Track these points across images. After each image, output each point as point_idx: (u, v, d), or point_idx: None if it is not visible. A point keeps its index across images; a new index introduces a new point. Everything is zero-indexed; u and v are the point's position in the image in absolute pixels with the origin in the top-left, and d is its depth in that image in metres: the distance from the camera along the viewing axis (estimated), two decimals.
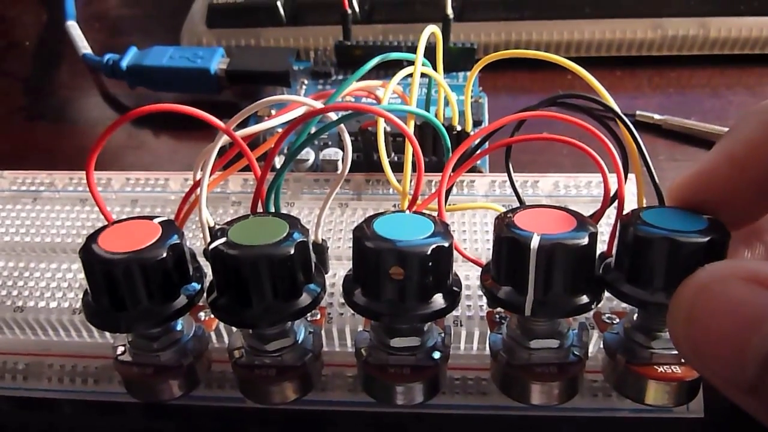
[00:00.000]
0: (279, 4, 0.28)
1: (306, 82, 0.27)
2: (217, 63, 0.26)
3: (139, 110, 0.14)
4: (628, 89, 0.27)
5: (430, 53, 0.19)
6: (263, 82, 0.26)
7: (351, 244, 0.18)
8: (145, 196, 0.21)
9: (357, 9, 0.28)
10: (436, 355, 0.15)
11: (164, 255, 0.13)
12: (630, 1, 0.27)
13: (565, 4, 0.27)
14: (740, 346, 0.11)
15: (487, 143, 0.17)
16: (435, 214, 0.15)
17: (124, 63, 0.27)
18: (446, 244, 0.13)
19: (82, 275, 0.18)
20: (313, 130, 0.16)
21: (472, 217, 0.19)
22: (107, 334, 0.17)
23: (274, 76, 0.25)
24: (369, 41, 0.26)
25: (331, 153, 0.22)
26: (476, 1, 0.28)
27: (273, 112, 0.25)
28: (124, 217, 0.15)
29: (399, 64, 0.19)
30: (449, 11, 0.25)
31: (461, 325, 0.16)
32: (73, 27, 0.31)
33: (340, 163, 0.22)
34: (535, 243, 0.13)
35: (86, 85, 0.30)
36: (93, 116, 0.29)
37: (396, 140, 0.22)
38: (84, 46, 0.29)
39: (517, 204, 0.17)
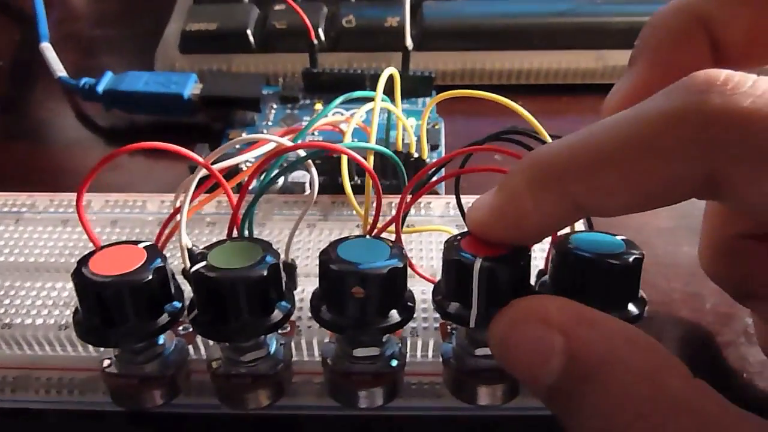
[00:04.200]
0: (249, 32, 0.30)
1: (275, 106, 0.28)
2: (191, 88, 0.27)
3: (130, 146, 0.16)
4: (573, 114, 0.29)
5: (390, 84, 0.20)
6: (235, 107, 0.27)
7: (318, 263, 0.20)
8: (123, 217, 0.22)
9: (323, 38, 0.30)
10: (394, 363, 0.16)
11: (150, 278, 0.15)
12: (574, 35, 0.29)
13: (515, 36, 0.29)
14: (535, 374, 0.13)
15: (443, 170, 0.19)
16: (393, 237, 0.17)
17: (101, 87, 0.28)
18: (401, 266, 0.15)
19: (66, 293, 0.19)
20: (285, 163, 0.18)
21: (428, 237, 0.21)
22: (91, 348, 0.19)
23: (246, 102, 0.27)
24: (335, 68, 0.28)
25: (299, 176, 0.24)
26: (434, 32, 0.29)
27: (245, 134, 0.27)
28: (105, 238, 0.17)
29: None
30: (409, 42, 0.27)
31: (417, 336, 0.18)
32: (48, 49, 0.32)
33: (307, 185, 0.24)
34: (477, 265, 0.15)
35: (61, 106, 0.31)
36: (69, 137, 0.30)
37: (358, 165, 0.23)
38: (59, 69, 0.30)
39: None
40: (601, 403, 0.12)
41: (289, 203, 0.22)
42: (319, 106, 0.28)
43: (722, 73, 0.12)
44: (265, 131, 0.27)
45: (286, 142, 0.16)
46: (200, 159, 0.15)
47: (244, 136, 0.16)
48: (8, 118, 0.31)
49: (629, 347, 0.13)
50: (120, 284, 0.15)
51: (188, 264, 0.17)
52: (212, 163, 0.16)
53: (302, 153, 0.16)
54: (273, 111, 0.28)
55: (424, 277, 0.18)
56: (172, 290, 0.16)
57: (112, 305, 0.15)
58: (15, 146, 0.29)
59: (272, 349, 0.17)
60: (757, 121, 0.12)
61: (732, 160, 0.12)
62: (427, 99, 0.28)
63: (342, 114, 0.24)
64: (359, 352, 0.16)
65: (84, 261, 0.15)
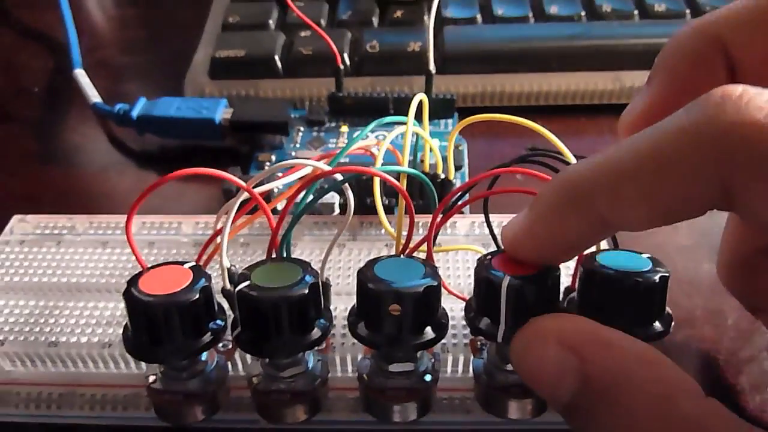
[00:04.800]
0: (277, 57, 0.31)
1: (302, 129, 0.29)
2: (221, 113, 0.28)
3: (180, 172, 0.16)
4: (591, 134, 0.30)
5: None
6: (264, 131, 0.28)
7: (349, 281, 0.21)
8: (160, 239, 0.23)
9: (348, 63, 0.31)
10: (428, 378, 0.17)
11: (196, 297, 0.16)
12: (591, 57, 0.30)
13: (534, 58, 0.30)
14: (551, 392, 0.14)
15: (467, 195, 0.19)
16: (424, 255, 0.18)
17: (135, 113, 0.29)
18: (435, 284, 0.16)
19: (108, 312, 0.20)
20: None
21: (455, 255, 0.22)
22: (133, 365, 0.19)
23: (275, 126, 0.27)
24: (359, 92, 0.29)
25: (328, 197, 0.25)
26: (455, 56, 0.30)
27: (273, 157, 0.28)
28: (143, 259, 0.17)
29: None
30: (432, 66, 0.28)
31: (448, 352, 0.19)
32: (82, 75, 0.33)
33: (336, 206, 0.24)
34: (505, 282, 0.15)
35: (94, 131, 0.32)
36: (102, 161, 0.30)
37: (386, 185, 0.24)
38: (94, 95, 0.31)
39: (494, 245, 0.20)
40: (613, 422, 0.13)
41: (319, 224, 0.23)
42: (344, 129, 0.29)
43: (739, 88, 0.12)
44: (293, 154, 0.27)
45: (324, 166, 0.17)
46: (243, 183, 0.16)
47: (286, 161, 0.17)
48: (43, 143, 0.32)
49: (642, 368, 0.13)
50: (169, 303, 0.15)
51: (228, 284, 0.18)
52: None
53: (339, 177, 0.17)
54: (300, 134, 0.29)
55: (455, 295, 0.18)
56: (216, 309, 0.17)
57: (161, 323, 0.15)
58: (50, 171, 0.30)
59: (310, 365, 0.17)
60: None
61: (744, 173, 0.12)
62: (449, 121, 0.29)
63: (367, 137, 0.25)
64: (394, 367, 0.17)
65: (134, 281, 0.16)
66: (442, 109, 0.28)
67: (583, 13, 0.32)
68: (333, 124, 0.29)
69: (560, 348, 0.14)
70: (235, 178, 0.16)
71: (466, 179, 0.26)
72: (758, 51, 0.16)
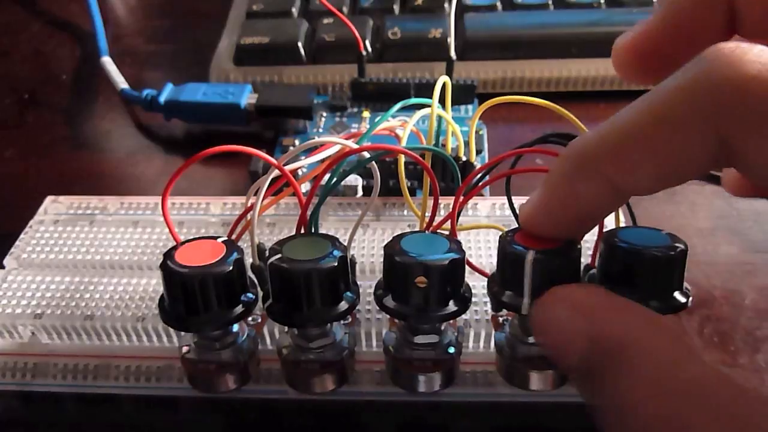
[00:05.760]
0: (300, 44, 0.31)
1: (324, 114, 0.30)
2: (246, 98, 0.29)
3: (212, 149, 0.17)
4: None
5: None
6: (288, 115, 0.28)
7: (373, 260, 0.21)
8: (189, 218, 0.24)
9: (370, 49, 0.31)
10: (452, 350, 0.18)
11: (230, 269, 0.16)
12: (611, 43, 0.30)
13: (554, 45, 0.30)
14: (561, 354, 0.15)
15: (488, 176, 0.20)
16: (447, 233, 0.18)
17: (162, 98, 0.29)
18: (460, 257, 0.16)
19: (142, 288, 0.21)
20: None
21: (476, 235, 0.22)
22: (165, 338, 0.20)
23: (298, 111, 0.28)
24: (381, 78, 0.29)
25: (351, 179, 0.25)
26: (476, 42, 0.31)
27: (297, 141, 0.29)
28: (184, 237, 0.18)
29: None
30: (452, 53, 0.28)
31: (470, 327, 0.19)
32: (109, 63, 0.34)
33: (359, 188, 0.25)
34: (529, 257, 0.16)
35: (122, 117, 0.33)
36: (130, 146, 0.31)
37: (408, 168, 0.25)
38: (121, 82, 0.32)
39: (515, 224, 0.20)
40: (618, 384, 0.13)
41: (343, 205, 0.24)
42: (366, 114, 0.29)
43: (732, 44, 0.13)
44: (316, 138, 0.28)
45: (352, 144, 0.17)
46: (274, 161, 0.17)
47: (315, 139, 0.17)
48: (73, 129, 0.32)
49: (650, 332, 0.13)
50: (204, 274, 0.16)
51: (257, 260, 0.19)
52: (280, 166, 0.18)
53: (367, 155, 0.17)
54: (323, 119, 0.29)
55: (478, 270, 0.19)
56: (248, 282, 0.17)
57: (196, 294, 0.16)
58: (81, 155, 0.31)
59: (338, 337, 0.18)
60: (761, 88, 0.12)
61: (739, 126, 0.13)
62: (469, 106, 0.29)
63: (388, 120, 0.25)
64: (420, 339, 0.17)
65: (170, 254, 0.17)
66: (462, 94, 0.29)
67: (602, 0, 0.32)
68: (355, 110, 0.30)
69: (572, 311, 0.14)
70: (267, 156, 0.17)
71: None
72: (759, 5, 0.16)
